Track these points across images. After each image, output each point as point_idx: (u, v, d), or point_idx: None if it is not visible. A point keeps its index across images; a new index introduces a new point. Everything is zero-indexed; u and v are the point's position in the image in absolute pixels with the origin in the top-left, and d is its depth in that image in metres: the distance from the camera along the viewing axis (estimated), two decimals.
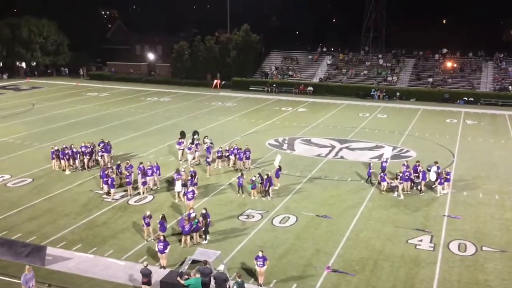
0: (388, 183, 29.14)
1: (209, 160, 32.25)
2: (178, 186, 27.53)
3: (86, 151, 33.02)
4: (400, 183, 28.50)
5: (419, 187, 29.24)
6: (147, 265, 18.56)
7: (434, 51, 74.53)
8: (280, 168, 30.31)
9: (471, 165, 35.01)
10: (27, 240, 22.31)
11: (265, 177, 28.07)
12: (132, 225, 24.41)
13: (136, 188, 28.88)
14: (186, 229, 22.15)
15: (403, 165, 30.22)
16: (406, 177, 28.80)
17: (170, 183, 29.66)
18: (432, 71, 71.18)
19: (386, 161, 31.54)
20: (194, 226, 22.24)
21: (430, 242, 22.91)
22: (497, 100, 61.30)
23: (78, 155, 32.84)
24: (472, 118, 52.76)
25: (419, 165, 30.11)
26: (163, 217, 22.54)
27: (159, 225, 22.36)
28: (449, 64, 71.08)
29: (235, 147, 33.47)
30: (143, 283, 18.35)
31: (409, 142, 41.27)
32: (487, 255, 21.68)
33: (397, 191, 28.58)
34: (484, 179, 31.87)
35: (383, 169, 30.77)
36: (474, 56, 72.72)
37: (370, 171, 30.70)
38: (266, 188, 27.92)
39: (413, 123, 49.38)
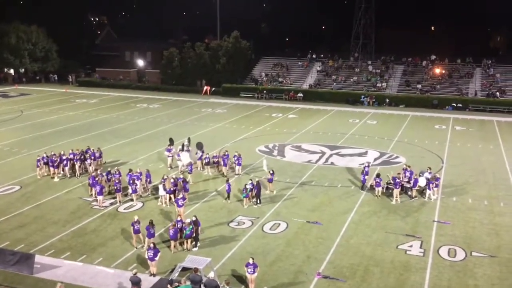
0: (383, 187, 29.22)
1: (192, 167, 32.04)
2: (161, 190, 27.75)
3: (76, 158, 32.81)
4: (396, 188, 28.58)
5: (409, 192, 29.36)
6: (136, 272, 18.42)
7: (423, 57, 75.15)
8: (273, 173, 30.21)
9: (460, 170, 35.23)
10: (15, 248, 22.06)
11: (255, 183, 27.99)
12: (122, 233, 24.23)
13: (126, 195, 28.73)
14: (171, 234, 22.08)
15: (403, 169, 30.41)
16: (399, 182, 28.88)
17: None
18: (421, 77, 71.70)
19: (368, 166, 31.54)
20: (188, 233, 22.12)
21: (420, 247, 22.98)
22: (485, 106, 61.85)
23: (68, 162, 32.58)
24: (461, 124, 53.17)
25: (409, 170, 30.22)
26: (151, 223, 22.29)
27: (146, 231, 22.18)
28: (437, 70, 71.66)
29: (227, 154, 33.46)
30: None
31: (398, 148, 41.46)
32: (476, 261, 21.77)
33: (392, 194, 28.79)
34: (473, 185, 32.07)
35: (366, 173, 30.82)
36: (462, 62, 73.39)
37: (365, 177, 30.77)
38: (256, 194, 27.81)
39: (403, 129, 49.66)
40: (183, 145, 35.24)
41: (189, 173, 31.79)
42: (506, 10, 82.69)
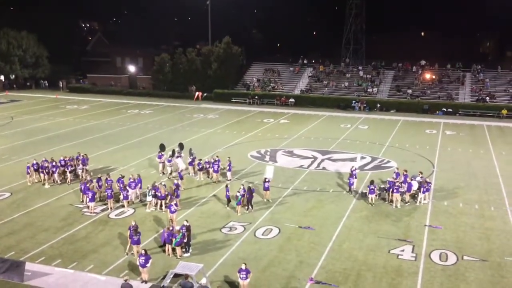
0: (376, 195, 29.24)
1: (182, 173, 31.87)
2: (148, 196, 27.86)
3: (67, 165, 32.60)
4: (395, 193, 28.62)
5: (403, 196, 29.43)
6: (127, 279, 18.30)
7: (413, 63, 75.67)
8: (268, 180, 29.83)
9: (451, 175, 35.41)
10: (6, 256, 21.85)
11: (247, 188, 27.89)
12: (113, 239, 24.07)
13: (118, 201, 28.58)
14: (166, 237, 22.01)
15: (402, 174, 30.49)
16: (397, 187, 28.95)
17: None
18: (411, 82, 72.18)
19: (355, 169, 31.53)
20: (178, 240, 22.00)
21: (412, 252, 23.03)
22: (475, 110, 62.32)
23: (57, 169, 32.36)
24: (451, 128, 53.48)
25: (405, 174, 30.33)
26: (135, 230, 22.10)
27: (129, 238, 22.01)
28: (427, 75, 72.17)
29: (218, 159, 33.37)
30: None
31: (389, 153, 41.61)
32: (468, 265, 21.86)
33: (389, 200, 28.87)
34: (464, 189, 32.24)
35: (354, 176, 30.77)
36: (452, 68, 73.94)
37: (352, 180, 30.80)
38: (248, 200, 27.73)
39: (394, 134, 49.87)
40: (173, 151, 35.15)
41: (180, 179, 31.63)
42: (495, 16, 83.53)
